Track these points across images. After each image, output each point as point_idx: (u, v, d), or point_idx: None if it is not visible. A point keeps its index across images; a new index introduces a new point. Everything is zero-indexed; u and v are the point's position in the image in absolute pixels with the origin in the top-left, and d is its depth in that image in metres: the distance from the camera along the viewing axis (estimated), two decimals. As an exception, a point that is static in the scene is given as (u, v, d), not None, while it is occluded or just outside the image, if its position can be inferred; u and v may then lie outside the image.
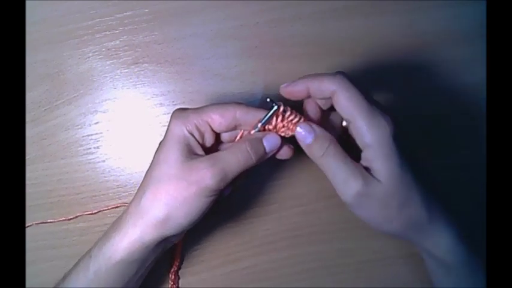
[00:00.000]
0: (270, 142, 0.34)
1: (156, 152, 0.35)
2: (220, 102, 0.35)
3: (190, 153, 0.33)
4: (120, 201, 0.45)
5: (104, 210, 0.44)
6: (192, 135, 0.34)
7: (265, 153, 0.34)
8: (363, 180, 0.32)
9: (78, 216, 0.44)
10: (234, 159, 0.33)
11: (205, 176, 0.32)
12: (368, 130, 0.32)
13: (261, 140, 0.34)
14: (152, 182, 0.33)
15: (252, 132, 0.35)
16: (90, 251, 0.35)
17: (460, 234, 0.35)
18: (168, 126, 0.34)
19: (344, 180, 0.33)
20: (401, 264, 0.47)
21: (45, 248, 0.44)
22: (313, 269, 0.46)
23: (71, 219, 0.44)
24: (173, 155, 0.33)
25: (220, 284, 0.45)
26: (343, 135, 0.37)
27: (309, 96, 0.35)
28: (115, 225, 0.35)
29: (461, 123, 0.47)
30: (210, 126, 0.34)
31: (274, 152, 0.35)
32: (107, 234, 0.34)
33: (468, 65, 0.47)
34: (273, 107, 0.34)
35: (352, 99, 0.32)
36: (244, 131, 0.36)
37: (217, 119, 0.34)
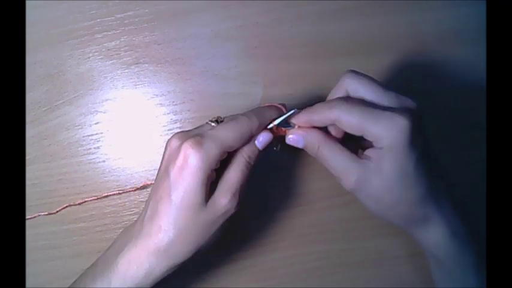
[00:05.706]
0: (262, 142, 0.36)
1: (172, 177, 0.33)
2: (231, 118, 0.35)
3: (208, 185, 0.34)
4: (120, 201, 0.45)
5: (90, 200, 0.44)
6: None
7: (259, 150, 0.36)
8: (361, 165, 0.33)
9: (65, 207, 0.44)
10: (239, 175, 0.35)
11: (222, 203, 0.33)
12: (382, 136, 0.32)
13: (254, 144, 0.35)
14: (172, 210, 0.33)
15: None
16: (93, 272, 0.34)
17: (453, 229, 0.35)
18: (191, 160, 0.32)
19: (343, 167, 0.34)
20: (402, 264, 0.46)
21: (45, 248, 0.44)
22: (314, 269, 0.46)
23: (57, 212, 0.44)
24: (194, 188, 0.33)
25: (220, 284, 0.46)
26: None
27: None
28: (119, 247, 0.34)
29: (461, 123, 0.47)
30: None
31: (266, 146, 0.36)
32: (113, 260, 0.33)
33: (468, 65, 0.47)
34: (289, 110, 0.36)
35: (357, 118, 0.32)
36: None
37: (239, 146, 0.34)
